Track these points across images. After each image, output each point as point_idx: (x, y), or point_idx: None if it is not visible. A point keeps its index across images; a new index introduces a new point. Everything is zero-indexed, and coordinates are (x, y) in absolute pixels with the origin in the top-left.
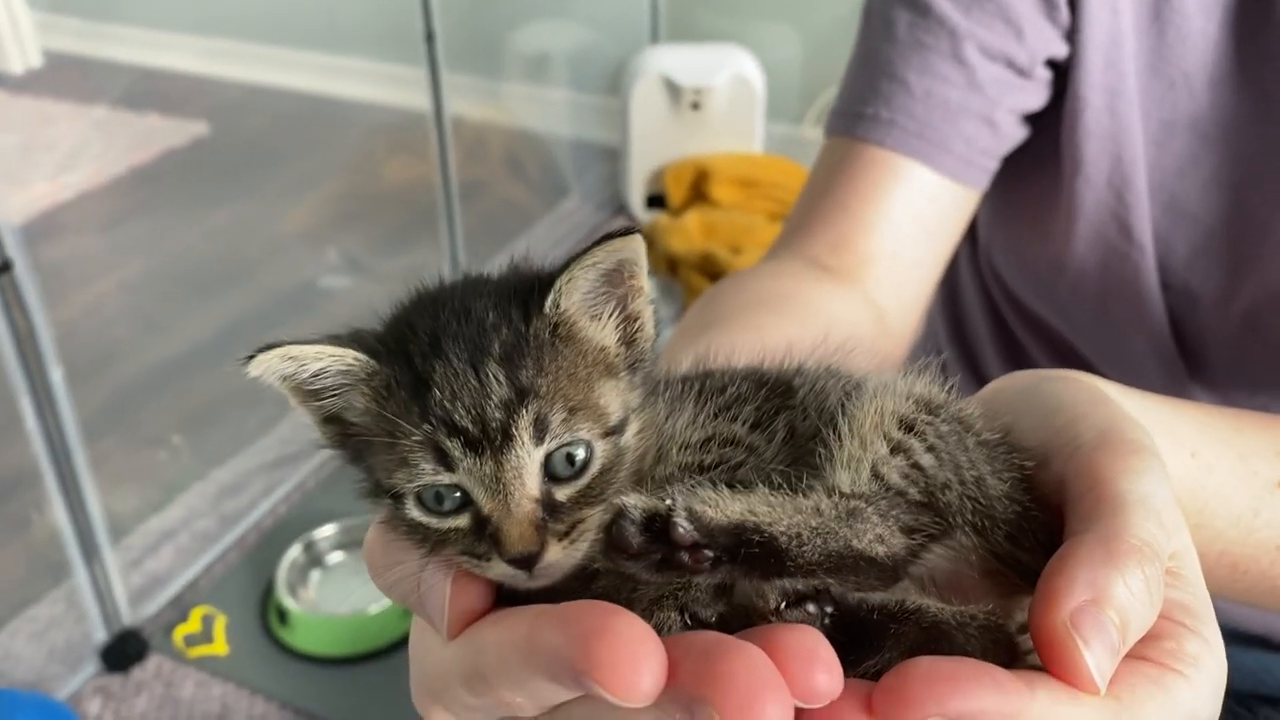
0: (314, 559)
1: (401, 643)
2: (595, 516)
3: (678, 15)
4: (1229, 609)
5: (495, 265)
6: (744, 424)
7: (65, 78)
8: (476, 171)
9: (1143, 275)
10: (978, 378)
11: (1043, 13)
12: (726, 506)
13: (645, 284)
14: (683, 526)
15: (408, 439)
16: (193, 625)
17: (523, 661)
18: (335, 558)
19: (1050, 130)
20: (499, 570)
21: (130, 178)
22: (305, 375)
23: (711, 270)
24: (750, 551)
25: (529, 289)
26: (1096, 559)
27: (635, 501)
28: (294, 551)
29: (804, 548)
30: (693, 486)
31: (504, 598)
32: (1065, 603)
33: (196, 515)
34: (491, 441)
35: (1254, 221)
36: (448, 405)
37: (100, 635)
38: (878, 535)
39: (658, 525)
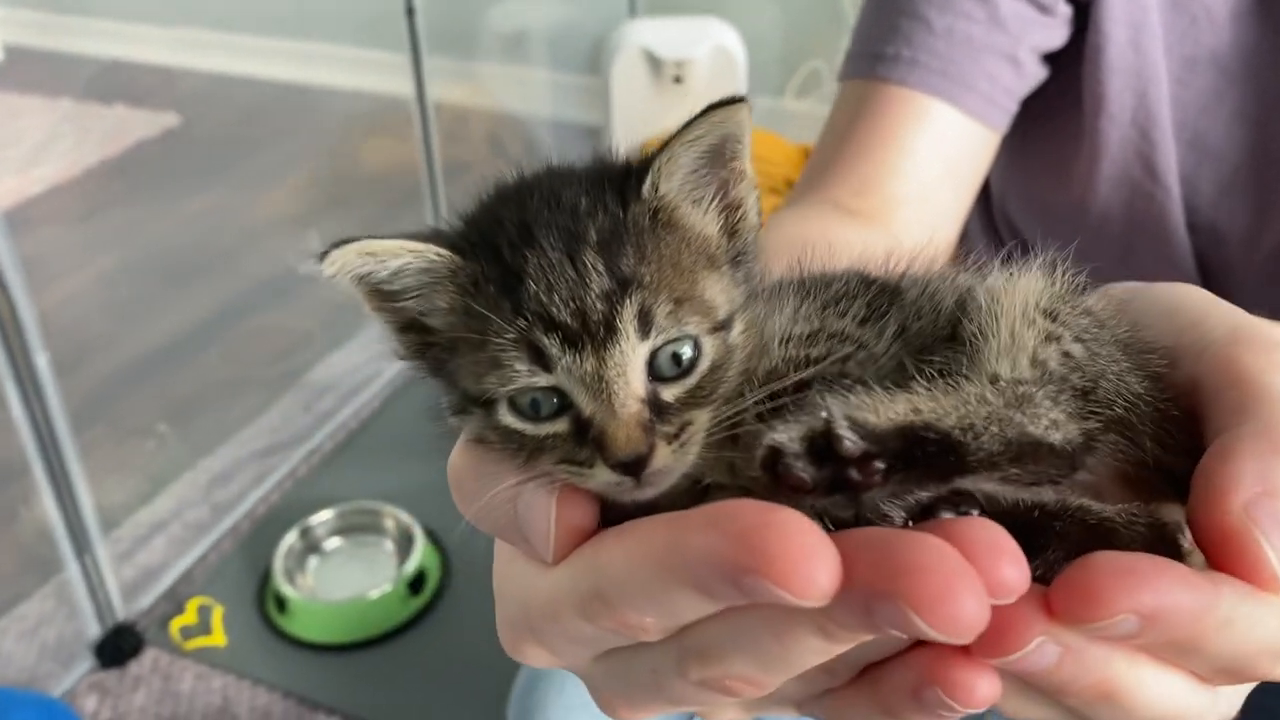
0: (311, 545)
1: (404, 628)
2: (704, 418)
3: None
4: None
5: None
6: (853, 319)
7: (29, 72)
8: (459, 153)
9: (1169, 216)
10: None
11: None
12: (888, 407)
13: (749, 167)
14: (849, 439)
15: (500, 337)
16: (189, 617)
17: (661, 571)
18: (333, 543)
19: (1070, 71)
20: (603, 479)
21: (102, 170)
22: (384, 274)
23: None
24: (926, 451)
25: (624, 173)
26: (1263, 451)
27: (786, 431)
28: (290, 538)
29: (980, 439)
30: (839, 393)
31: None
32: (1235, 496)
33: (188, 505)
34: (593, 336)
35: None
36: (543, 298)
37: (94, 630)
38: (1052, 420)
39: (820, 445)
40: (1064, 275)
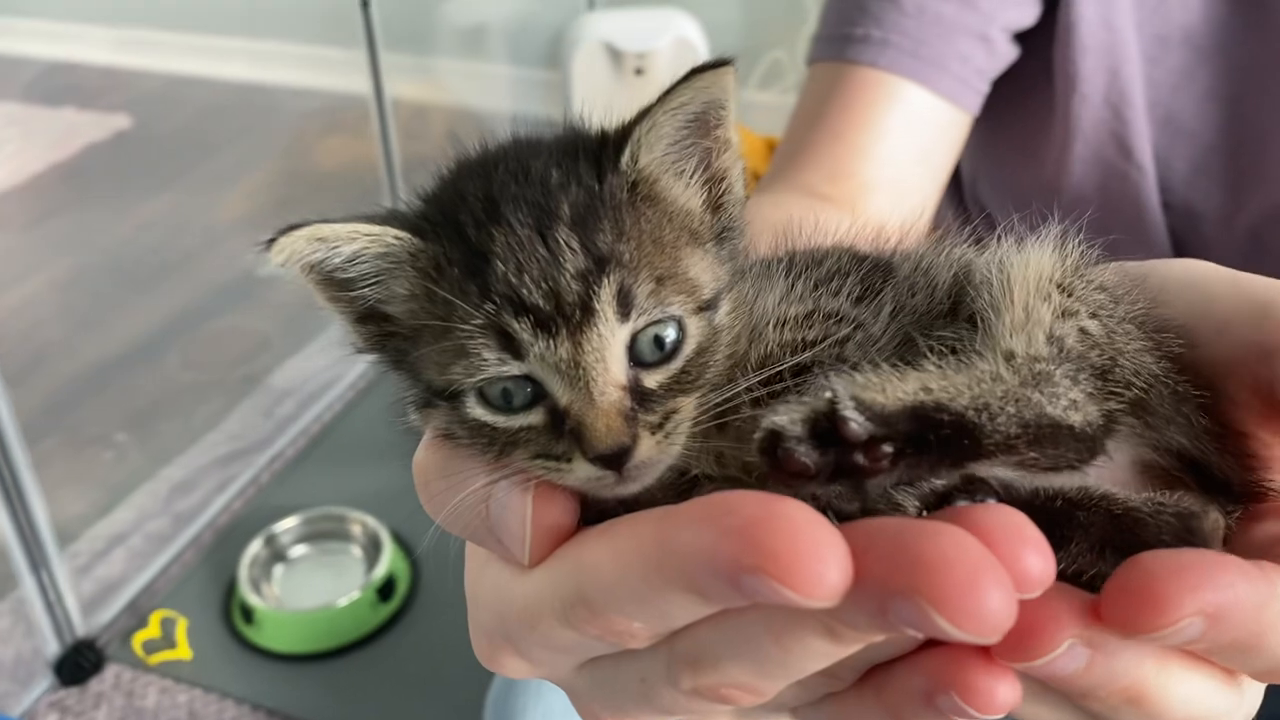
0: (276, 553)
1: (372, 636)
2: (690, 406)
3: None
4: None
5: None
6: (847, 298)
7: None
8: (418, 149)
9: (1143, 196)
10: None
11: None
12: (896, 387)
13: (733, 135)
14: (855, 421)
15: (466, 324)
16: (152, 631)
17: (651, 571)
18: (298, 551)
19: (1041, 50)
20: (582, 474)
21: (51, 174)
22: (337, 260)
23: None
24: (939, 434)
25: (599, 143)
26: None
27: (787, 413)
28: (255, 547)
29: (996, 420)
30: (847, 371)
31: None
32: None
33: (148, 516)
34: (568, 319)
35: (1252, 135)
36: (513, 279)
37: (53, 648)
38: (1072, 400)
39: (824, 427)
40: (1075, 248)
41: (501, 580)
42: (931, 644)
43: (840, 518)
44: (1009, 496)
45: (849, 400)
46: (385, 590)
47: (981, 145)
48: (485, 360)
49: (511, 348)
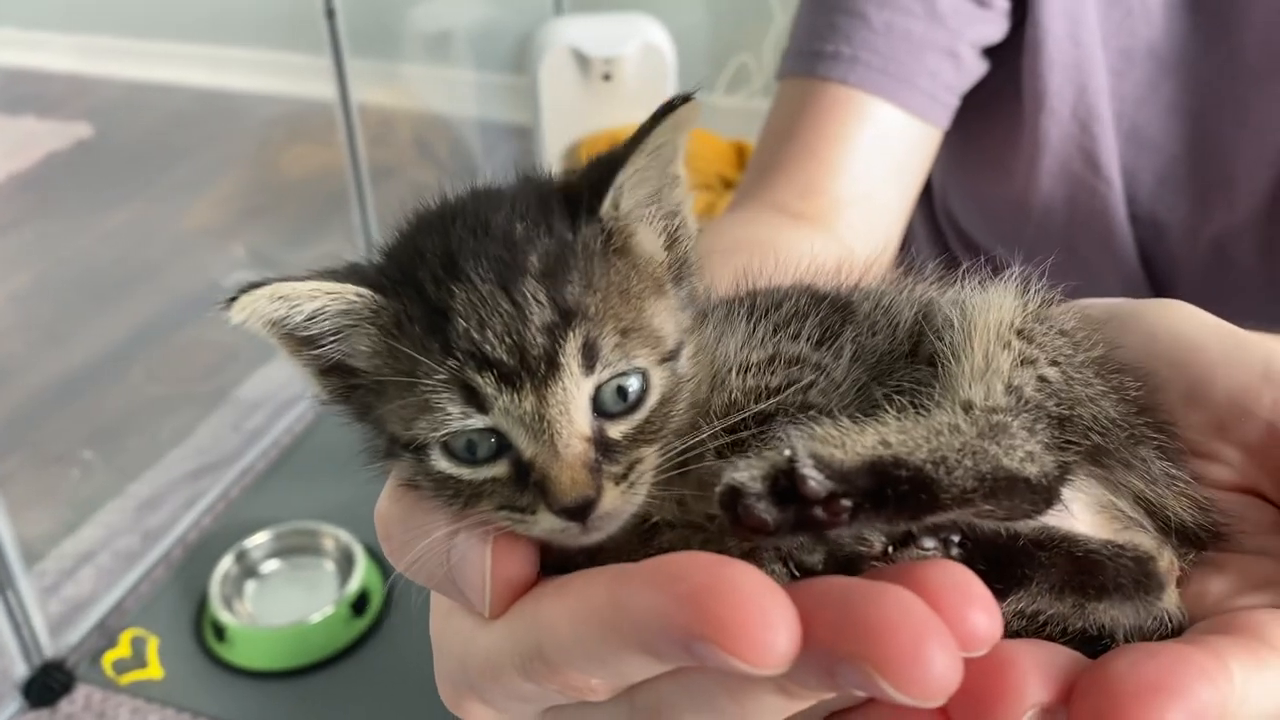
0: (248, 569)
1: (347, 651)
2: (653, 455)
3: None
4: None
5: None
6: (808, 341)
7: None
8: (385, 156)
9: (1111, 209)
10: None
11: None
12: (855, 441)
13: (682, 169)
14: (813, 478)
15: (429, 379)
16: (122, 650)
17: (605, 633)
18: (270, 566)
19: (1009, 65)
20: (546, 525)
21: (10, 185)
22: (299, 319)
23: None
24: (897, 490)
25: (572, 192)
26: None
27: (747, 469)
28: (226, 563)
29: (953, 474)
30: (804, 425)
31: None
32: None
33: (116, 533)
34: (533, 373)
35: (1216, 148)
36: (474, 335)
37: (20, 670)
38: (1027, 453)
39: (783, 485)
40: (1036, 291)
41: (464, 629)
42: None
43: (801, 568)
44: (973, 535)
45: (808, 459)
46: (359, 605)
47: (952, 158)
48: (449, 414)
49: (475, 401)
